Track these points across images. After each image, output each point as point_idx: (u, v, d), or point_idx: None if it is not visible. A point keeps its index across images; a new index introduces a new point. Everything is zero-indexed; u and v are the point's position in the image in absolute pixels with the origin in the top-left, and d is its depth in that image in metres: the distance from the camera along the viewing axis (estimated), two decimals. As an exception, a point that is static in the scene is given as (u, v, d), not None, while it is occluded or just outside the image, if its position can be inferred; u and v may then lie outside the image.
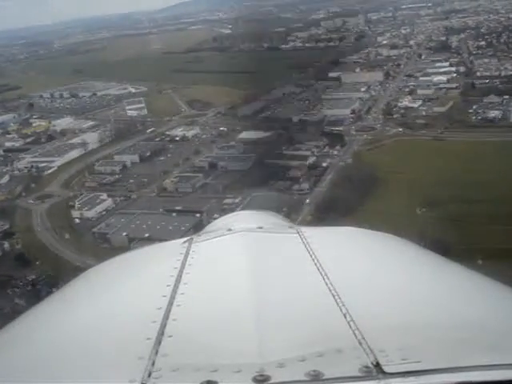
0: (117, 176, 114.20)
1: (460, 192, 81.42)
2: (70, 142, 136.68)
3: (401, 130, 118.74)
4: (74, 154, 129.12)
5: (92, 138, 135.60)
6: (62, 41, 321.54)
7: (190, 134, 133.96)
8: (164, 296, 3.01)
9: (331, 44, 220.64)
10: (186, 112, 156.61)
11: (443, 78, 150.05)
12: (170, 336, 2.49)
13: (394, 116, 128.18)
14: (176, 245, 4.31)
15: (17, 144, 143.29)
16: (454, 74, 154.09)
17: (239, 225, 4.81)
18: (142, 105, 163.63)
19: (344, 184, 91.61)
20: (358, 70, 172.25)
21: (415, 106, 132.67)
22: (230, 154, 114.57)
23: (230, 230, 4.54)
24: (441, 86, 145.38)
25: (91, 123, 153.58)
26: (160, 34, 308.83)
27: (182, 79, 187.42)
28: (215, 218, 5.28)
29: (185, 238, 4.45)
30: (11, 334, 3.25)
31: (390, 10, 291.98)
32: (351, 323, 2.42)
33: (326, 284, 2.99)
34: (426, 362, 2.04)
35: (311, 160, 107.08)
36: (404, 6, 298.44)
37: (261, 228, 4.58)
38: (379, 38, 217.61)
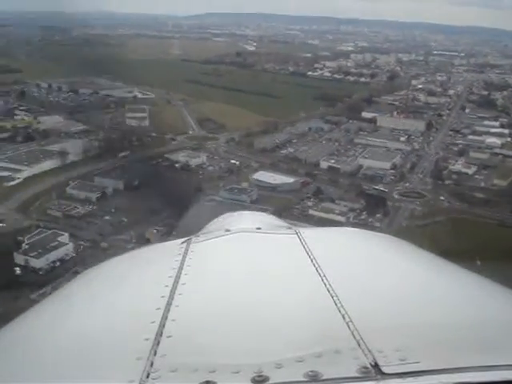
0: (90, 207, 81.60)
1: None
2: (49, 147, 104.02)
3: (457, 203, 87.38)
4: (49, 164, 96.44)
5: (75, 147, 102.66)
6: (81, 30, 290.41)
7: (194, 162, 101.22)
8: (162, 296, 2.88)
9: (362, 79, 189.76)
10: (195, 132, 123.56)
11: (497, 140, 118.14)
12: (169, 336, 2.41)
13: (446, 182, 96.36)
14: (174, 245, 4.06)
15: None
16: (509, 139, 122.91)
17: (237, 225, 4.56)
18: (145, 114, 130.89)
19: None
20: (395, 113, 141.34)
21: (469, 172, 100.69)
22: (240, 201, 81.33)
23: (228, 230, 4.28)
24: (496, 150, 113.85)
25: (81, 127, 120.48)
26: (182, 40, 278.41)
27: (196, 91, 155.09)
28: None
29: (183, 239, 4.17)
30: (10, 334, 3.05)
31: (421, 53, 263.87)
32: (349, 324, 2.35)
33: (325, 285, 2.87)
34: (424, 363, 1.95)
35: (345, 230, 74.81)
36: (435, 52, 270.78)
37: (259, 228, 4.31)
38: (414, 81, 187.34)
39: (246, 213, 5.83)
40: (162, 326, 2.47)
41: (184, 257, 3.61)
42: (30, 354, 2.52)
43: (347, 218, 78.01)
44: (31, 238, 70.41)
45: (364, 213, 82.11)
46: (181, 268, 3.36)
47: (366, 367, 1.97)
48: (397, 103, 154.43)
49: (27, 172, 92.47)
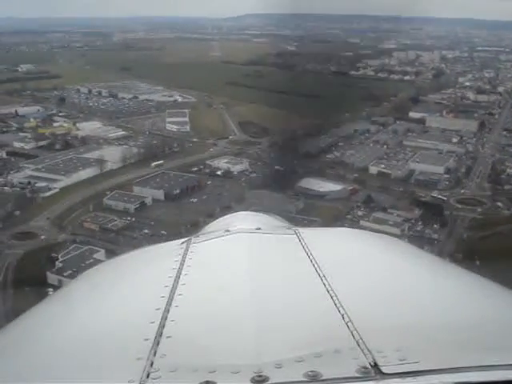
0: (128, 219, 75.99)
1: None
2: (87, 155, 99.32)
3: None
4: (86, 173, 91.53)
5: (114, 155, 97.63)
6: (121, 35, 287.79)
7: (236, 168, 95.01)
8: (162, 297, 2.85)
9: (406, 78, 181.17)
10: (236, 136, 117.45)
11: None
12: (169, 337, 2.39)
13: (505, 187, 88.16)
14: (174, 245, 4.03)
15: (26, 146, 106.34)
16: None
17: (237, 225, 4.55)
18: (186, 119, 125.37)
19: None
20: (444, 113, 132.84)
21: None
22: (287, 212, 74.75)
23: (228, 230, 4.24)
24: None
25: (121, 133, 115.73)
26: (222, 41, 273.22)
27: (237, 94, 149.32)
28: None
29: (183, 239, 4.12)
30: (10, 334, 3.07)
31: (465, 49, 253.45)
32: (349, 324, 2.33)
33: (324, 285, 2.86)
34: (423, 363, 1.95)
35: (401, 242, 67.34)
36: (479, 48, 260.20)
37: (259, 229, 4.26)
38: (460, 79, 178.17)
39: (246, 213, 5.73)
40: (162, 326, 2.46)
41: (184, 257, 3.55)
42: (31, 354, 2.51)
43: (402, 230, 70.67)
44: (65, 254, 65.26)
45: (419, 222, 74.84)
46: (181, 268, 3.31)
47: (365, 367, 1.95)
48: (445, 102, 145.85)
49: (64, 182, 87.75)
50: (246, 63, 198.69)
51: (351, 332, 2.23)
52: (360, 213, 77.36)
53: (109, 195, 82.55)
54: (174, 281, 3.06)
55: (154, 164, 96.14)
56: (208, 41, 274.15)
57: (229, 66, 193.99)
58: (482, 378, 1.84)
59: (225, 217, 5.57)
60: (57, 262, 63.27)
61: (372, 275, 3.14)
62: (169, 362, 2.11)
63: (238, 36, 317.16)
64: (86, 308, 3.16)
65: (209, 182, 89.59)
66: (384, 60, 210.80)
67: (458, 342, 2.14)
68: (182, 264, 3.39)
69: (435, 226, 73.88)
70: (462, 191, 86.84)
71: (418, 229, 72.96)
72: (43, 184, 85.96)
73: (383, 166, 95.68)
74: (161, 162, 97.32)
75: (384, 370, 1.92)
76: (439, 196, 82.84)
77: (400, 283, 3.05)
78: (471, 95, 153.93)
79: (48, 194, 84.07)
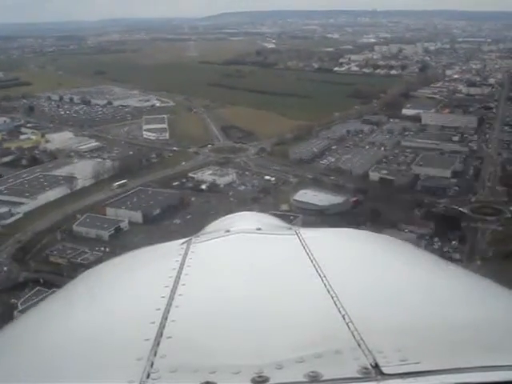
0: (102, 250, 63.53)
1: None
2: (56, 172, 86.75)
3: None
4: (55, 193, 79.09)
5: (85, 170, 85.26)
6: (96, 38, 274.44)
7: (221, 181, 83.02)
8: (162, 297, 2.80)
9: (393, 72, 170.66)
10: (220, 142, 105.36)
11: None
12: (169, 337, 2.34)
13: (521, 191, 77.47)
14: (175, 246, 3.91)
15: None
16: None
17: (238, 226, 4.42)
18: (164, 125, 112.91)
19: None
20: (439, 108, 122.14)
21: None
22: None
23: (228, 231, 4.12)
24: None
25: (94, 143, 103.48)
26: (199, 41, 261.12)
27: (218, 95, 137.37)
28: None
29: (183, 239, 3.97)
30: (10, 334, 2.97)
31: (446, 41, 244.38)
32: (350, 324, 2.29)
33: (325, 285, 2.80)
34: (424, 363, 1.91)
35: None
36: (460, 39, 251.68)
37: (259, 229, 4.15)
38: (448, 71, 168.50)
39: (246, 213, 5.65)
40: (162, 326, 2.43)
41: (184, 257, 3.48)
42: (31, 354, 2.49)
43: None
44: (26, 301, 53.45)
45: (435, 239, 64.04)
46: (181, 268, 3.24)
47: (366, 368, 1.93)
48: (437, 96, 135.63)
49: (28, 205, 75.57)
50: (225, 63, 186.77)
51: (352, 332, 2.19)
52: (367, 230, 66.09)
53: (79, 220, 70.42)
54: (175, 281, 2.99)
55: (115, 185, 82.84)
56: (185, 41, 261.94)
57: (208, 67, 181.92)
58: (482, 378, 1.82)
59: (225, 217, 5.25)
60: (15, 312, 51.38)
61: (373, 275, 3.05)
62: (169, 362, 2.09)
63: (215, 35, 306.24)
64: (85, 308, 3.04)
65: (193, 199, 77.72)
66: (366, 54, 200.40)
67: (459, 343, 2.10)
68: (182, 264, 3.30)
69: (453, 242, 63.15)
70: (475, 198, 76.10)
71: (435, 246, 61.95)
72: (5, 209, 73.85)
73: (385, 171, 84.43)
74: (123, 181, 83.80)
75: (385, 370, 1.89)
76: (459, 208, 71.38)
77: (401, 283, 2.95)
78: (463, 88, 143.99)
79: (9, 220, 71.95)
